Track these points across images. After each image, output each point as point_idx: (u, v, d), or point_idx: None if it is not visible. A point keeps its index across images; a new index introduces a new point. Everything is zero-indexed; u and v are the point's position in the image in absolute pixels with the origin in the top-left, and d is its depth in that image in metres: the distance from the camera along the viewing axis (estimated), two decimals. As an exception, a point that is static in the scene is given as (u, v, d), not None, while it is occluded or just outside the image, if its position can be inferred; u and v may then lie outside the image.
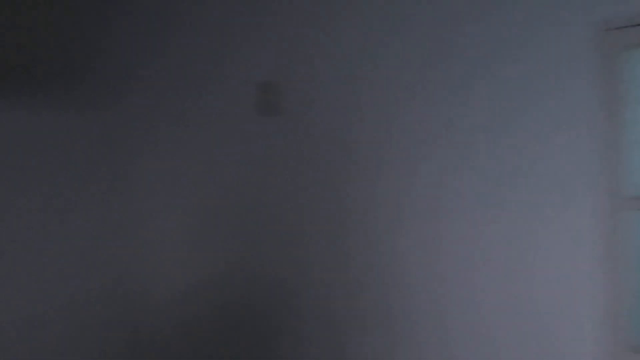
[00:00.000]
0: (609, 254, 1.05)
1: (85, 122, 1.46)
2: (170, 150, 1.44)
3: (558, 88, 1.05)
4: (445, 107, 1.12)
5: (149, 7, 1.45)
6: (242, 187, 1.31)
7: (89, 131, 1.47)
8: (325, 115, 1.23)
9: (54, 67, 1.43)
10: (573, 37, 1.03)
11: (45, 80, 1.42)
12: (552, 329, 1.08)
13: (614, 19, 1.01)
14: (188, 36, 1.39)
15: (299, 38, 1.25)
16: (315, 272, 1.25)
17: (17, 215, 1.32)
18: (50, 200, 1.40)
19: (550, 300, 1.08)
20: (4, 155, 1.31)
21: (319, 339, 1.23)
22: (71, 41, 1.46)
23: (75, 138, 1.44)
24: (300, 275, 1.26)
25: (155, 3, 1.43)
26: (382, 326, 1.19)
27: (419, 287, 1.16)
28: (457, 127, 1.11)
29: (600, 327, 1.05)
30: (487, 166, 1.10)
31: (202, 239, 1.38)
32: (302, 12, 1.24)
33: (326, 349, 1.22)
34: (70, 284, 1.41)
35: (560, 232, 1.06)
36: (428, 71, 1.13)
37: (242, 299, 1.33)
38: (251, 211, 1.32)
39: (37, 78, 1.39)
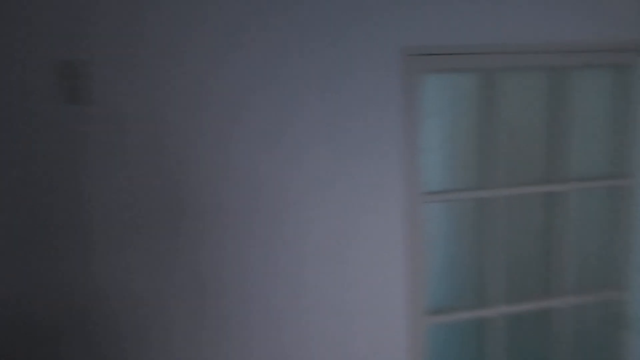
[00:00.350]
0: (411, 237, 1.30)
1: None
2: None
3: (374, 103, 1.21)
4: (275, 119, 1.17)
5: None
6: (39, 188, 1.07)
7: None
8: (142, 105, 1.09)
9: None
10: (384, 61, 1.20)
11: None
12: (373, 299, 1.28)
13: (414, 48, 1.23)
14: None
15: (113, 8, 1.06)
16: (119, 277, 1.15)
17: None
18: None
19: (369, 276, 1.27)
20: None
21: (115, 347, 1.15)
22: None
23: None
24: (109, 283, 1.14)
25: None
26: (194, 328, 1.19)
27: (247, 286, 1.21)
28: (287, 137, 1.17)
29: (406, 295, 1.31)
30: (317, 170, 1.20)
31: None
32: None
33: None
34: None
35: (376, 221, 1.25)
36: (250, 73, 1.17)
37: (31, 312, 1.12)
38: (45, 218, 1.09)
39: None
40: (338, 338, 1.27)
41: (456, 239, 1.45)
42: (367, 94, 1.21)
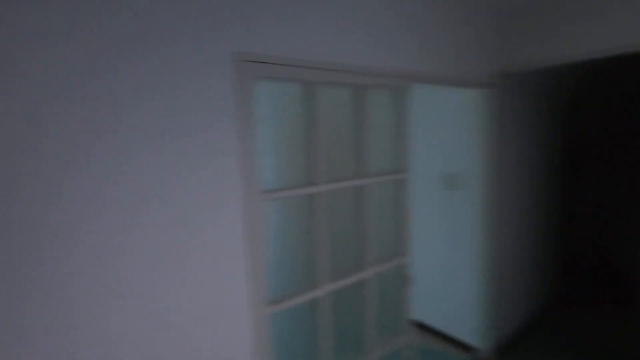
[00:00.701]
0: (251, 234, 1.36)
1: None
2: None
3: (208, 106, 1.21)
4: (95, 128, 1.02)
5: None
6: None
7: None
8: None
9: None
10: (217, 65, 1.22)
11: None
12: (216, 295, 1.28)
13: (245, 54, 1.29)
14: None
15: None
16: None
17: None
18: None
19: (212, 274, 1.26)
20: None
21: None
22: None
23: None
24: None
25: None
26: None
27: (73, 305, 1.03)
28: (110, 145, 1.05)
29: (248, 287, 1.37)
30: (150, 177, 1.11)
31: None
32: None
33: None
34: None
35: (217, 221, 1.26)
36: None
37: None
38: None
39: None
40: (182, 333, 1.21)
41: (289, 231, 1.61)
42: (202, 98, 1.20)
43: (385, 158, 1.91)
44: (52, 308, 0.98)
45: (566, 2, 2.12)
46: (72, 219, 0.99)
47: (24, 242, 0.93)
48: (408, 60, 1.86)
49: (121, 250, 1.07)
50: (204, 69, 1.19)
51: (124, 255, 1.08)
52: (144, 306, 1.13)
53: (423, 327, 3.19)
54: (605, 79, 3.91)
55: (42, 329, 0.96)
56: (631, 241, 4.11)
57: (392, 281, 2.02)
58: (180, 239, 1.18)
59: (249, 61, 1.30)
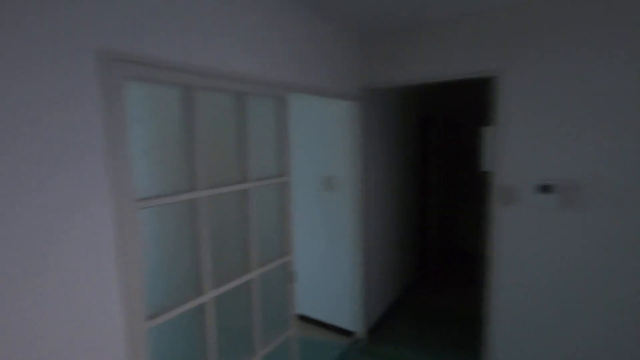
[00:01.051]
0: (126, 245, 1.27)
1: None
2: None
3: (69, 111, 1.09)
4: None
5: None
6: None
7: None
8: None
9: None
10: (81, 65, 1.11)
11: None
12: (86, 311, 1.17)
13: (115, 52, 1.20)
14: None
15: None
16: None
17: None
18: None
19: (81, 287, 1.15)
20: None
21: None
22: None
23: None
24: None
25: None
26: None
27: None
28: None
29: (124, 302, 1.27)
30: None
31: None
32: None
33: None
34: None
35: (84, 231, 1.14)
36: None
37: None
38: None
39: None
40: (51, 355, 1.07)
41: (170, 239, 1.55)
42: (63, 103, 1.07)
43: (267, 163, 2.00)
44: None
45: (413, 33, 2.58)
46: None
47: None
48: (286, 72, 1.99)
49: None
50: (64, 68, 1.06)
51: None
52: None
53: (306, 320, 3.39)
54: (449, 99, 4.84)
55: None
56: (470, 230, 5.18)
57: (277, 279, 2.12)
58: (38, 255, 1.04)
59: (119, 60, 1.22)
